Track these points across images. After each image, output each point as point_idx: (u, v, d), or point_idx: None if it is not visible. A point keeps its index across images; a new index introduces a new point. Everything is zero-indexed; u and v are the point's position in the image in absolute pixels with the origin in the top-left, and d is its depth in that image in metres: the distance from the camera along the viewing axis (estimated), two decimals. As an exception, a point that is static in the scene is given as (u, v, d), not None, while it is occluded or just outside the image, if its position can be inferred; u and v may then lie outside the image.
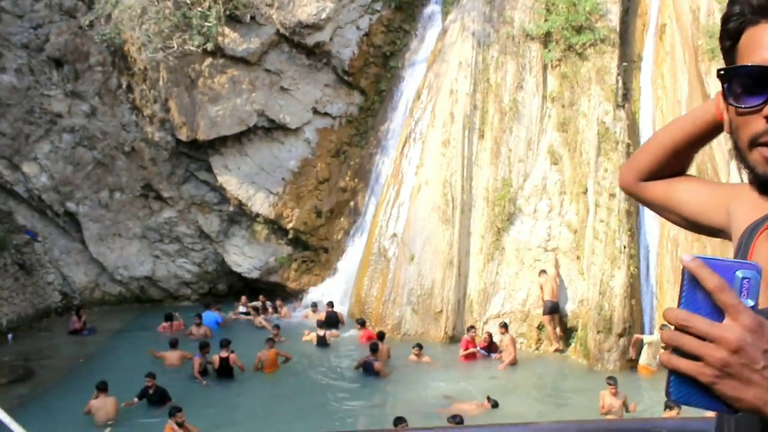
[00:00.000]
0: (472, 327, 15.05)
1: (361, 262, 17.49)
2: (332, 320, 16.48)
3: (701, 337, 0.90)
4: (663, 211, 1.69)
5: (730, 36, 1.18)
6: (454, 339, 15.47)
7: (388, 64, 19.24)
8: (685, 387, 0.92)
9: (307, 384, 13.50)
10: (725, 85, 1.15)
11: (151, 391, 11.95)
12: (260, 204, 18.42)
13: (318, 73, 18.76)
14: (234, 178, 18.35)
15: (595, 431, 3.11)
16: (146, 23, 16.87)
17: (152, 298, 19.36)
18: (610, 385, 11.25)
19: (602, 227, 14.63)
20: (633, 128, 15.70)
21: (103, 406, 11.44)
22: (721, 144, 13.21)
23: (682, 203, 1.61)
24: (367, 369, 13.63)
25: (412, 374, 13.80)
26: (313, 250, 18.88)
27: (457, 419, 9.99)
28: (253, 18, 17.89)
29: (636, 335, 13.97)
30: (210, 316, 16.77)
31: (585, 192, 15.31)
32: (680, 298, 0.94)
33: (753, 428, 1.04)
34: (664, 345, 0.94)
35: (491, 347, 14.70)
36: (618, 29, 16.31)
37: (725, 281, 0.91)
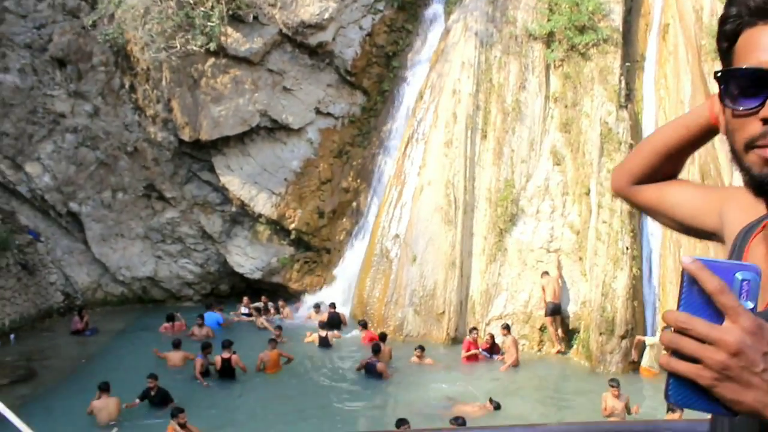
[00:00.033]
0: (474, 328, 15.03)
1: (364, 263, 17.48)
2: (334, 321, 16.49)
3: (701, 340, 0.90)
4: (656, 214, 1.69)
5: (727, 38, 1.18)
6: (456, 340, 15.46)
7: (391, 64, 19.24)
8: (684, 390, 0.92)
9: (309, 385, 13.50)
10: (722, 87, 1.14)
11: (153, 392, 11.96)
12: (263, 204, 18.43)
13: (321, 73, 18.77)
14: (236, 178, 18.36)
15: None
16: (149, 23, 16.89)
17: (154, 299, 19.37)
18: (612, 387, 11.23)
19: (605, 228, 14.62)
20: (636, 129, 15.68)
21: (105, 406, 11.45)
22: (724, 144, 13.14)
23: (674, 206, 1.62)
24: (369, 370, 13.62)
25: (414, 376, 13.79)
26: (316, 250, 18.88)
27: (459, 421, 9.98)
28: (255, 18, 17.90)
29: (638, 337, 13.95)
30: (212, 316, 16.77)
31: (588, 193, 15.29)
32: (679, 300, 0.93)
33: (749, 431, 1.03)
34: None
35: (493, 349, 14.69)
36: (621, 29, 16.29)
37: (725, 283, 0.90)
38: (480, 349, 14.57)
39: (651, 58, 16.46)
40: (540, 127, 16.39)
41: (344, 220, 18.81)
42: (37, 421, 8.06)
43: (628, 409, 11.28)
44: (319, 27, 18.13)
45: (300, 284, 18.76)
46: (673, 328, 0.92)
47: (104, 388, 11.52)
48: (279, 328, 15.97)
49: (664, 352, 0.94)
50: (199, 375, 13.24)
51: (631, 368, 13.91)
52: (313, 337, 15.57)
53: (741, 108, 1.11)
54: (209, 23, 16.83)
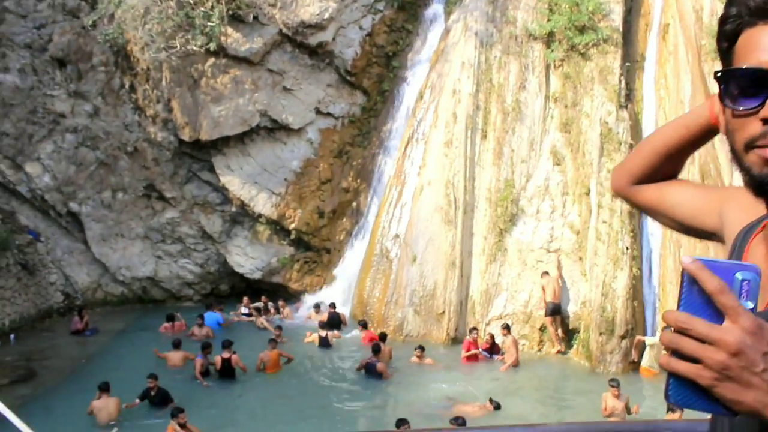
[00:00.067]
0: (474, 328, 15.03)
1: (364, 263, 17.48)
2: (334, 321, 16.49)
3: (701, 340, 0.90)
4: (655, 214, 1.70)
5: (727, 38, 1.18)
6: (456, 340, 15.46)
7: (391, 64, 19.24)
8: (683, 390, 0.92)
9: (309, 385, 13.50)
10: (722, 87, 1.14)
11: (152, 393, 11.95)
12: (262, 204, 18.43)
13: (321, 73, 18.77)
14: (236, 178, 18.36)
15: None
16: (149, 23, 16.89)
17: (154, 299, 19.37)
18: (612, 387, 11.23)
19: (605, 228, 14.61)
20: (636, 129, 15.68)
21: (105, 406, 11.45)
22: (725, 145, 13.13)
23: (674, 206, 1.62)
24: (369, 370, 13.62)
25: (414, 376, 13.79)
26: (316, 250, 18.88)
27: (459, 421, 9.97)
28: (255, 18, 17.90)
29: (638, 337, 13.95)
30: (212, 316, 16.77)
31: (588, 193, 15.29)
32: (679, 300, 0.93)
33: (749, 431, 1.03)
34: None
35: (493, 349, 14.69)
36: (621, 29, 16.29)
37: (725, 283, 0.90)
38: (480, 349, 14.57)
39: (651, 58, 16.45)
40: (540, 127, 16.39)
41: (344, 220, 18.80)
42: (37, 422, 8.06)
43: (628, 409, 11.28)
44: (319, 27, 18.13)
45: (300, 284, 18.76)
46: (673, 328, 0.92)
47: (104, 388, 11.52)
48: (279, 328, 15.97)
49: (664, 352, 0.94)
50: (199, 375, 13.24)
51: (631, 368, 13.91)
52: (313, 337, 15.57)
53: (741, 108, 1.11)
54: (209, 23, 16.83)
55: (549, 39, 16.61)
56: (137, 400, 11.89)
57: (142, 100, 18.84)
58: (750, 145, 1.11)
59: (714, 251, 12.86)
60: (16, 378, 13.78)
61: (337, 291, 18.00)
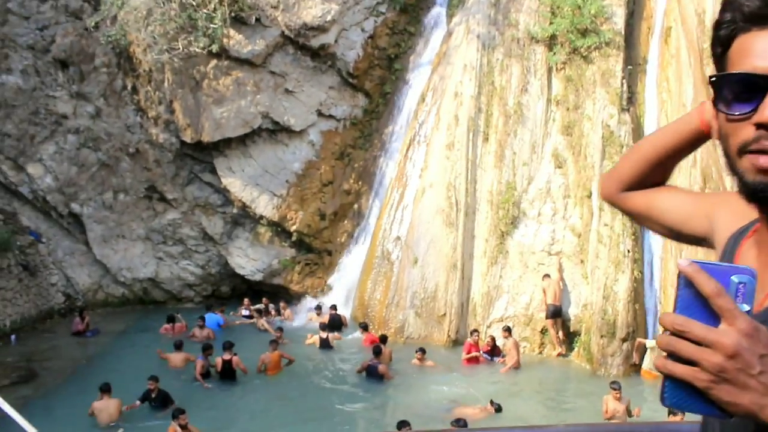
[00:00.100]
0: (476, 331, 15.02)
1: (365, 265, 17.48)
2: (335, 323, 16.49)
3: (697, 342, 0.90)
4: (645, 220, 1.70)
5: (721, 43, 1.19)
6: (457, 342, 15.45)
7: (393, 66, 19.25)
8: (680, 392, 0.92)
9: (310, 387, 13.49)
10: (716, 92, 1.15)
11: (153, 394, 11.95)
12: (264, 206, 18.43)
13: (322, 76, 18.78)
14: (238, 180, 18.37)
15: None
16: (152, 25, 16.91)
17: (155, 300, 19.38)
18: (613, 389, 11.21)
19: (606, 231, 14.60)
20: (638, 132, 15.66)
21: (106, 407, 11.45)
22: (726, 148, 13.16)
23: (664, 213, 1.63)
24: (370, 372, 13.61)
25: (415, 378, 13.78)
26: (317, 252, 18.87)
27: (460, 423, 9.96)
28: (258, 20, 17.92)
29: (639, 340, 13.93)
30: (213, 318, 16.78)
31: (589, 196, 15.28)
32: (676, 302, 0.94)
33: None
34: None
35: (494, 351, 14.68)
36: (623, 32, 16.28)
37: (722, 286, 0.90)
38: (481, 352, 14.57)
39: (653, 61, 16.44)
40: (542, 130, 16.38)
41: (345, 222, 18.80)
42: (37, 422, 8.05)
43: (629, 411, 11.27)
44: (321, 29, 18.15)
45: (301, 286, 18.76)
46: (669, 331, 0.92)
47: (105, 390, 11.53)
48: (280, 329, 15.96)
49: (663, 354, 0.94)
50: (200, 376, 13.24)
51: (633, 371, 13.90)
52: (314, 339, 15.57)
53: (734, 113, 1.11)
54: (212, 25, 16.86)
55: (551, 42, 16.61)
56: (138, 402, 11.89)
57: (144, 102, 18.86)
58: (743, 150, 1.11)
59: (715, 255, 12.86)
60: (16, 379, 13.77)
61: (339, 293, 17.99)
